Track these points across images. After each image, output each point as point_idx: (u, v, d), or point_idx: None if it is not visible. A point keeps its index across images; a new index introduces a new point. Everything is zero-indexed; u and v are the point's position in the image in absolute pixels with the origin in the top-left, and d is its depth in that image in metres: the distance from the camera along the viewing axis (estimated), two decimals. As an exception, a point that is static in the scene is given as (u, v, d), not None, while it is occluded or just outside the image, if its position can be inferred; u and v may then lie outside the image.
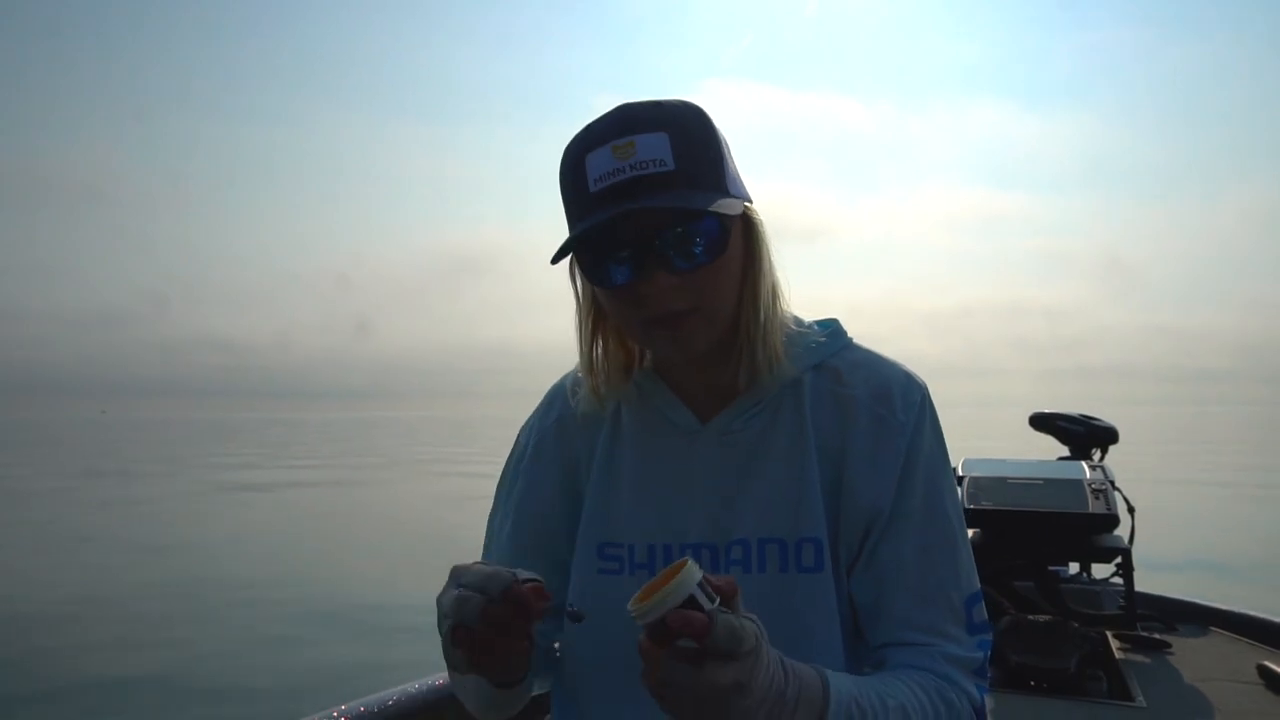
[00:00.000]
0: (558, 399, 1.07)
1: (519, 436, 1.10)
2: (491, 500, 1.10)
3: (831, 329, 1.00)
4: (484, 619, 0.77)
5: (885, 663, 0.89)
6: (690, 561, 0.70)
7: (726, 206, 0.85)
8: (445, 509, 16.42)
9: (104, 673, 6.39)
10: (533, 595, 0.78)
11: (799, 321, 0.99)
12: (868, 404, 0.95)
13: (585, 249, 0.88)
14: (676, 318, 0.87)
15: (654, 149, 0.84)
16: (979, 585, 0.94)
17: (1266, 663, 2.24)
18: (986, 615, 0.93)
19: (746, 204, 0.91)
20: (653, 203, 0.82)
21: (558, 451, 1.04)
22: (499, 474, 1.09)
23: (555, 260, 0.88)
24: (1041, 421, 2.96)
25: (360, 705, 1.75)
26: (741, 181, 0.92)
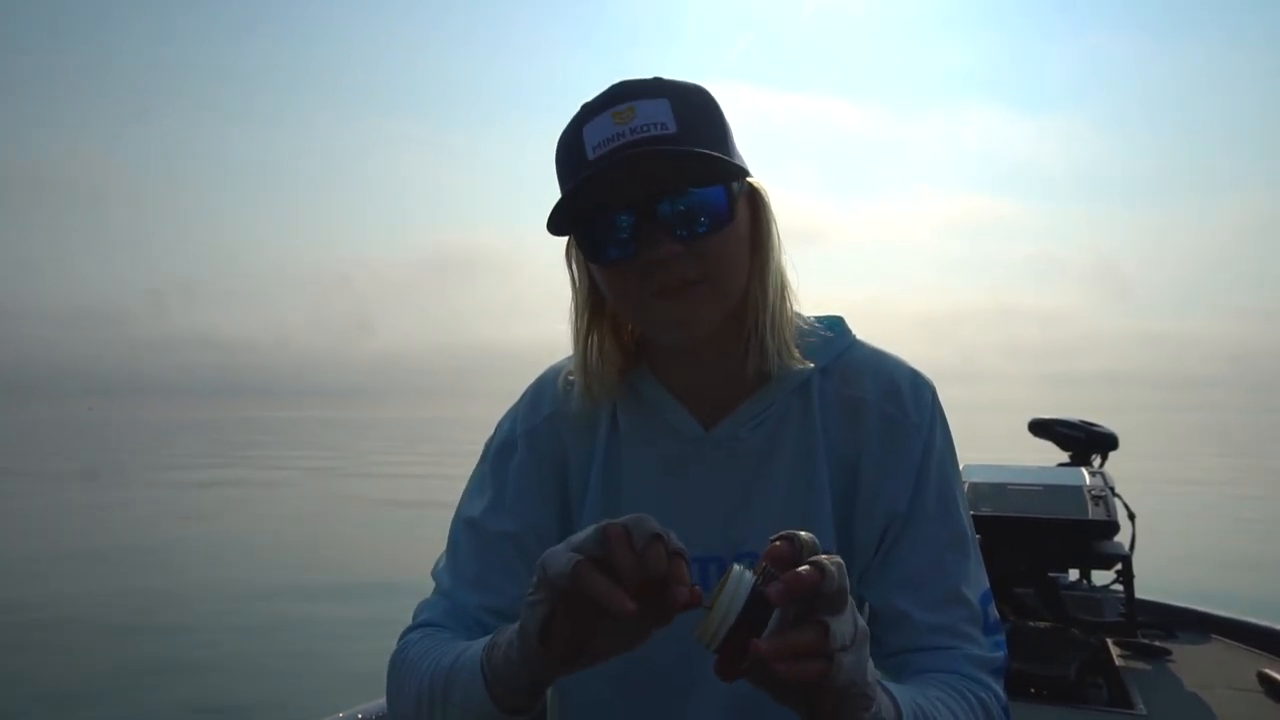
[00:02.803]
0: (547, 393, 1.00)
1: (501, 428, 1.02)
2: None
3: (837, 328, 0.97)
4: (649, 553, 0.63)
5: (907, 668, 0.87)
6: (735, 566, 0.64)
7: (731, 166, 0.81)
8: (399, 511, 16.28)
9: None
10: (676, 577, 0.64)
11: (802, 318, 0.95)
12: (878, 405, 0.92)
13: (582, 222, 0.83)
14: (683, 288, 0.82)
15: (655, 113, 0.80)
16: (988, 583, 0.92)
17: (1266, 670, 2.23)
18: (998, 614, 0.92)
19: (752, 179, 0.87)
20: (651, 149, 0.78)
21: (551, 452, 0.97)
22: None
23: (552, 227, 0.83)
24: (1041, 427, 2.95)
25: (358, 713, 1.72)
26: (745, 161, 0.87)
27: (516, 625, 0.71)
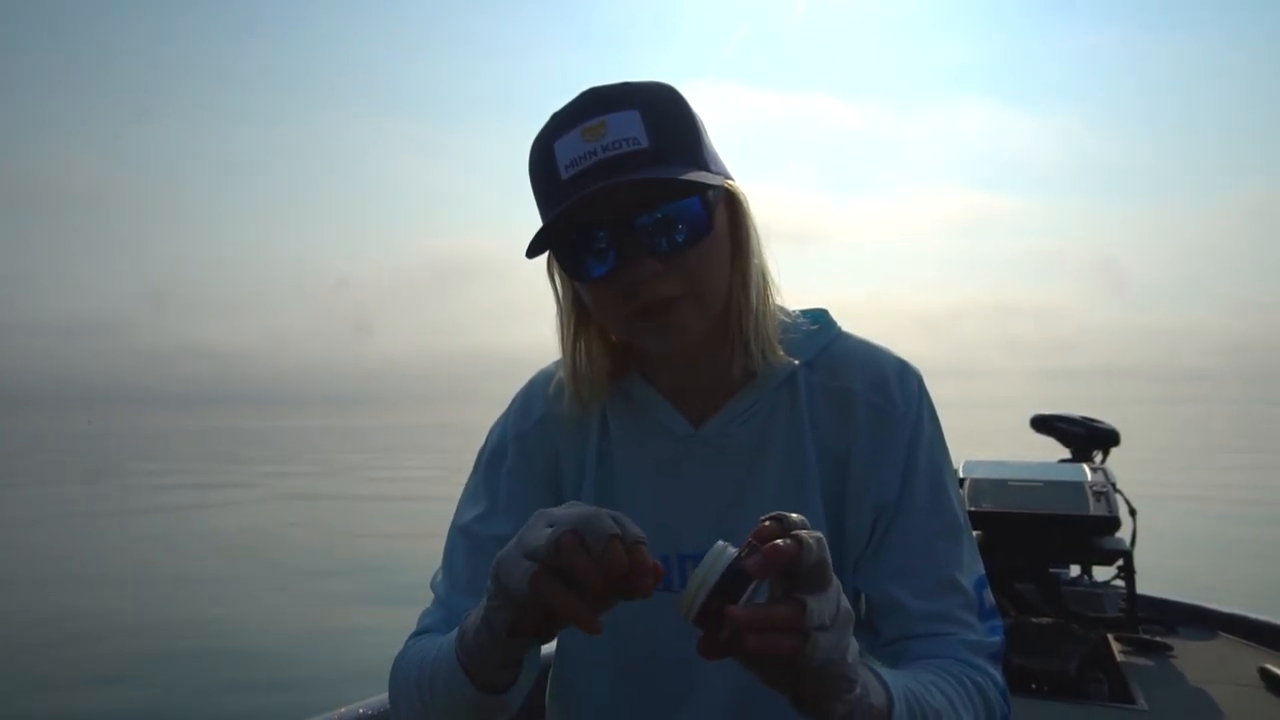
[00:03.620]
0: (536, 398, 1.00)
1: (493, 435, 1.02)
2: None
3: (821, 320, 0.97)
4: (608, 556, 0.62)
5: (904, 656, 0.87)
6: (719, 542, 0.64)
7: (707, 178, 0.80)
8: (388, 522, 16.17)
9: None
10: (637, 565, 0.63)
11: (786, 312, 0.95)
12: (865, 395, 0.92)
13: (561, 241, 0.82)
14: (665, 305, 0.82)
15: (626, 127, 0.79)
16: (983, 569, 0.92)
17: (1268, 665, 2.24)
18: (993, 599, 0.92)
19: (729, 181, 0.85)
20: (625, 179, 0.77)
21: (543, 455, 0.98)
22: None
23: (530, 254, 0.82)
24: (1042, 423, 2.95)
25: (359, 709, 1.73)
26: (722, 161, 0.87)
27: (482, 610, 0.72)
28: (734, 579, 0.62)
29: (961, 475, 2.71)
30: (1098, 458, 2.90)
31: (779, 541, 0.62)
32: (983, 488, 2.59)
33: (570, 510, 0.66)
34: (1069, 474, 2.62)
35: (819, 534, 0.64)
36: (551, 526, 0.65)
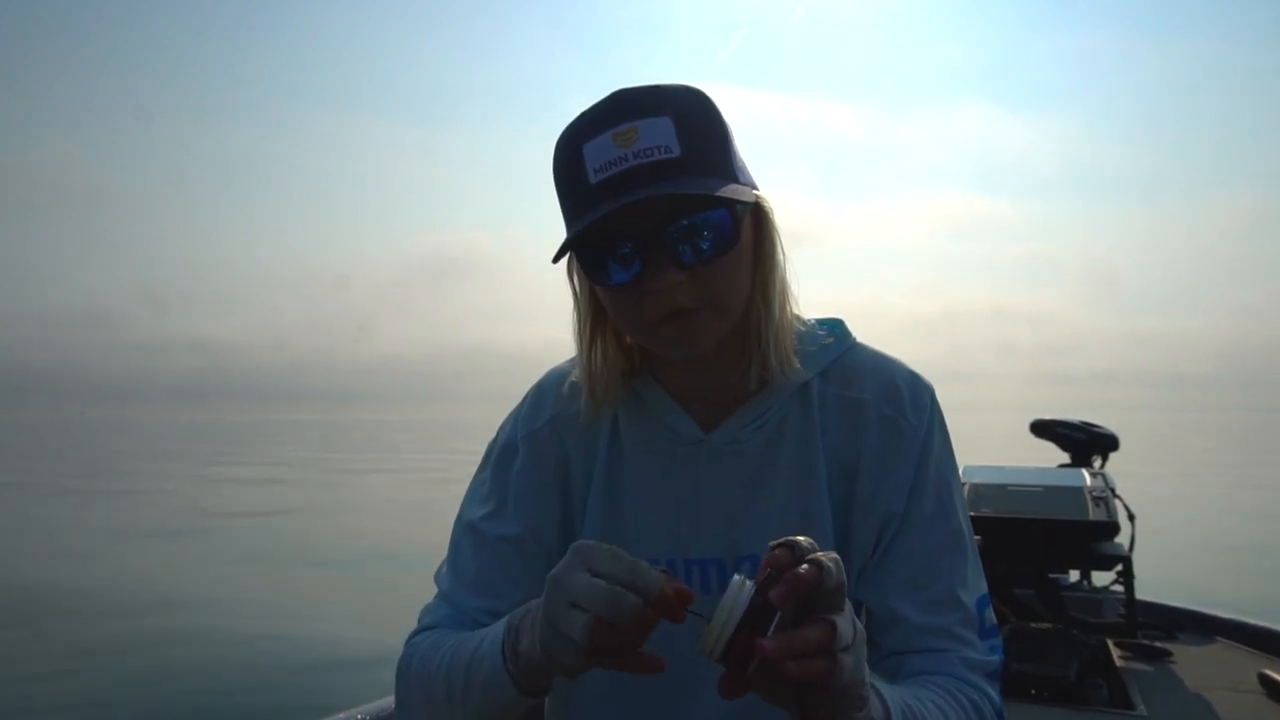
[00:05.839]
0: (547, 398, 0.99)
1: (503, 432, 1.02)
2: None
3: (837, 331, 0.97)
4: (641, 623, 0.66)
5: (901, 670, 0.86)
6: (736, 576, 0.64)
7: (739, 193, 0.79)
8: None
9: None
10: (680, 599, 0.66)
11: (802, 321, 0.94)
12: (877, 407, 0.92)
13: (585, 245, 0.81)
14: (685, 314, 0.81)
15: (658, 134, 0.78)
16: (986, 587, 0.92)
17: (1267, 671, 2.23)
18: (995, 618, 0.92)
19: (757, 192, 0.85)
20: (661, 190, 0.76)
21: (553, 455, 0.97)
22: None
23: (557, 259, 0.82)
24: (1042, 428, 2.95)
25: (359, 714, 1.72)
26: (749, 170, 0.87)
27: (535, 630, 0.71)
28: (757, 612, 0.61)
29: (962, 480, 2.70)
30: (1097, 463, 2.90)
31: (800, 569, 0.61)
32: (982, 492, 2.59)
33: (610, 563, 0.67)
34: (1068, 479, 2.62)
35: (835, 555, 0.63)
36: (594, 574, 0.66)
